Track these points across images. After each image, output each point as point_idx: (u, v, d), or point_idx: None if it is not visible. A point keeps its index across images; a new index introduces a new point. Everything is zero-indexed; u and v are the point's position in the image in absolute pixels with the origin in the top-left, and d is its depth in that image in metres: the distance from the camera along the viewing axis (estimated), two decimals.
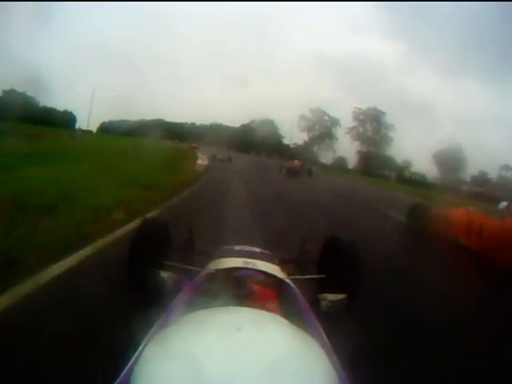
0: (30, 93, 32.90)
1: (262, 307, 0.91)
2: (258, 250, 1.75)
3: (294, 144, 46.06)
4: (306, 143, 46.07)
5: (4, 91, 31.68)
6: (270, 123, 44.78)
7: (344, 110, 47.32)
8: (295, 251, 2.35)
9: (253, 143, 38.03)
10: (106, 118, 40.81)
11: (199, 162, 17.28)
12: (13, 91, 31.49)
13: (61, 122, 32.74)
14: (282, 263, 1.73)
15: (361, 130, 45.08)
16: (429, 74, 52.86)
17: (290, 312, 1.04)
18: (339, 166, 40.90)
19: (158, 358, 0.52)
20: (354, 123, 44.70)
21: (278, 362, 0.49)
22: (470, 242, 5.07)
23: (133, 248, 1.88)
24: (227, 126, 40.94)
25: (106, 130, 39.90)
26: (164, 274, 1.52)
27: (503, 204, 5.22)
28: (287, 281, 1.34)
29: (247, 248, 1.75)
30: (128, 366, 0.65)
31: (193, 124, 43.62)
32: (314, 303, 1.35)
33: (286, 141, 46.37)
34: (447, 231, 5.59)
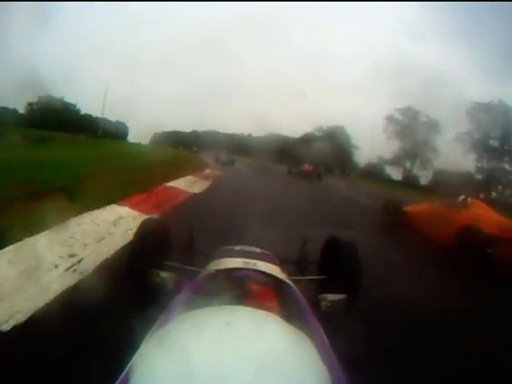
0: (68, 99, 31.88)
1: (262, 307, 0.91)
2: (257, 250, 1.75)
3: (379, 157, 32.70)
4: (396, 156, 32.09)
5: (40, 97, 30.04)
6: (340, 130, 33.73)
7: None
8: (295, 251, 2.35)
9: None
10: (159, 129, 38.03)
11: (207, 171, 12.76)
12: (49, 97, 29.77)
13: (114, 133, 31.40)
14: (282, 263, 1.73)
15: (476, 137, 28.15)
16: None
17: (290, 312, 1.04)
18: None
19: (153, 357, 0.53)
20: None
21: (268, 356, 0.50)
22: (432, 231, 5.76)
23: (133, 248, 1.89)
24: (285, 137, 33.13)
25: (159, 140, 37.08)
26: (164, 274, 1.52)
27: (461, 198, 5.95)
28: (287, 281, 1.34)
29: (247, 248, 1.75)
30: (128, 366, 0.65)
31: (249, 135, 37.56)
32: (314, 303, 1.36)
33: (361, 153, 34.06)
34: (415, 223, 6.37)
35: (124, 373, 0.63)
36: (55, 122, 26.03)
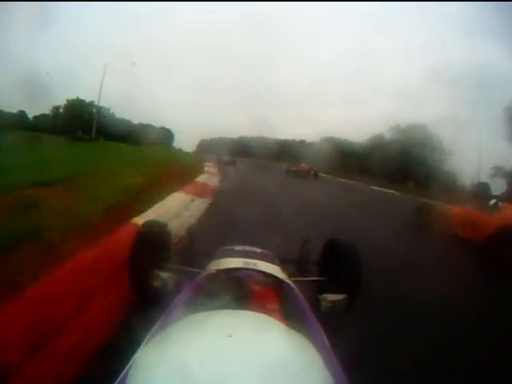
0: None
1: (263, 308, 0.91)
2: (258, 250, 1.75)
3: (496, 167, 20.36)
4: None
5: (68, 100, 28.85)
6: (422, 128, 24.15)
7: None
8: (295, 252, 2.35)
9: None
10: (207, 136, 35.41)
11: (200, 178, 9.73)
12: (80, 101, 28.50)
13: (158, 139, 29.60)
14: (282, 263, 1.73)
15: None
16: None
17: (291, 312, 1.04)
18: None
19: (151, 362, 0.53)
20: None
21: (269, 369, 0.49)
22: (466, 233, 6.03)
23: (134, 249, 1.89)
24: (346, 140, 26.87)
25: (204, 147, 34.75)
26: (165, 275, 1.52)
27: (492, 201, 6.17)
28: (287, 281, 1.34)
29: (247, 248, 1.75)
30: (127, 368, 0.65)
31: (302, 141, 32.28)
32: (315, 303, 1.36)
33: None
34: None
35: (123, 373, 0.63)
36: (85, 126, 24.92)
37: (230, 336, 0.54)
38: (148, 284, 1.53)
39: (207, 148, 31.46)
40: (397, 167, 19.30)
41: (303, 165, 20.08)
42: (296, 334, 0.61)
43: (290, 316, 1.02)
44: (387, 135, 26.36)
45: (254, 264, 1.38)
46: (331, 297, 1.45)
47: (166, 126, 33.52)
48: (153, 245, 1.88)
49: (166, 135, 33.52)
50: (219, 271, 1.33)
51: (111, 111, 30.97)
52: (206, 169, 13.81)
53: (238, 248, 1.75)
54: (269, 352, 0.53)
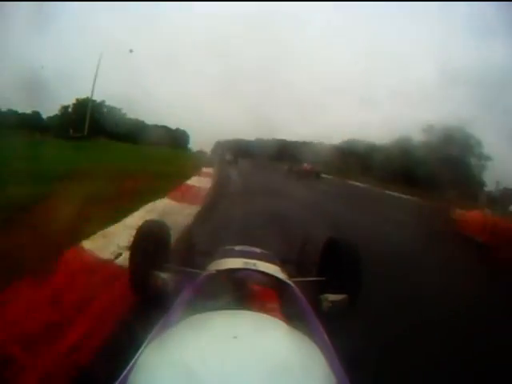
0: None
1: (263, 308, 0.91)
2: (258, 250, 1.75)
3: None
4: None
5: (78, 99, 27.64)
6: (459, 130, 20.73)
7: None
8: (295, 252, 2.35)
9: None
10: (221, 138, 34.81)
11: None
12: (89, 100, 26.48)
13: (174, 141, 29.37)
14: (282, 264, 1.73)
15: None
16: None
17: (291, 313, 1.04)
18: None
19: (153, 364, 0.52)
20: None
21: (274, 370, 0.48)
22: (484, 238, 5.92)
23: (134, 250, 1.88)
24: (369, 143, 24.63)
25: (219, 148, 33.83)
26: (166, 276, 1.52)
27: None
28: (288, 281, 1.34)
29: (247, 248, 1.75)
30: (128, 368, 0.65)
31: (320, 143, 29.55)
32: (315, 304, 1.35)
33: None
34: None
35: (123, 374, 0.63)
36: (96, 126, 24.11)
37: (235, 337, 0.54)
38: (148, 284, 1.52)
39: (221, 149, 30.89)
40: (431, 172, 15.55)
41: (305, 165, 19.68)
42: (299, 335, 0.61)
43: (291, 316, 1.01)
44: (417, 137, 22.47)
45: (254, 264, 1.38)
46: (332, 297, 1.45)
47: (182, 128, 33.09)
48: (152, 245, 1.87)
49: (182, 136, 33.11)
50: (219, 271, 1.33)
51: (123, 111, 30.07)
52: (204, 170, 13.73)
53: (238, 248, 1.75)
54: (274, 353, 0.53)
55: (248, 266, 1.34)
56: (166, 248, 2.02)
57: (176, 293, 1.22)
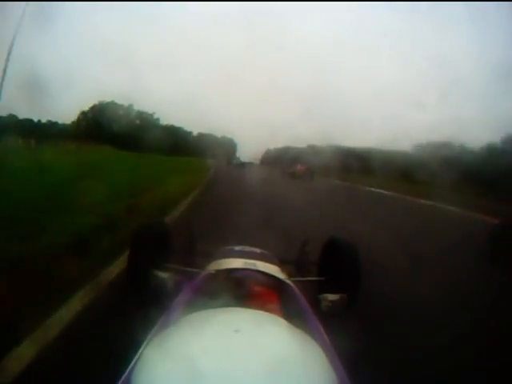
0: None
1: (263, 308, 0.91)
2: (258, 250, 1.75)
3: None
4: None
5: (101, 103, 26.10)
6: None
7: None
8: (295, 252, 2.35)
9: None
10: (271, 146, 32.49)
11: None
12: (113, 104, 24.80)
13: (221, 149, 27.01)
14: (282, 264, 1.73)
15: None
16: None
17: (291, 312, 1.04)
18: None
19: (156, 360, 0.52)
20: None
21: (277, 364, 0.49)
22: None
23: (133, 249, 1.88)
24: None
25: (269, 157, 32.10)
26: (164, 275, 1.52)
27: None
28: (287, 281, 1.34)
29: (247, 248, 1.75)
30: (130, 367, 0.65)
31: (369, 149, 27.65)
32: (315, 303, 1.36)
33: None
34: None
35: (126, 373, 0.63)
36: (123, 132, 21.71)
37: (237, 331, 0.54)
38: (147, 284, 1.52)
39: (272, 158, 28.46)
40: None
41: (299, 166, 19.48)
42: (300, 332, 0.62)
43: (291, 316, 1.01)
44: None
45: (254, 264, 1.38)
46: (331, 296, 1.45)
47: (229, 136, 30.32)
48: (152, 244, 1.87)
49: (229, 145, 30.28)
50: (219, 271, 1.33)
51: (155, 116, 27.39)
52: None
53: (237, 248, 1.75)
54: (276, 347, 0.53)
55: (248, 266, 1.34)
56: (166, 247, 2.02)
57: (175, 292, 1.22)
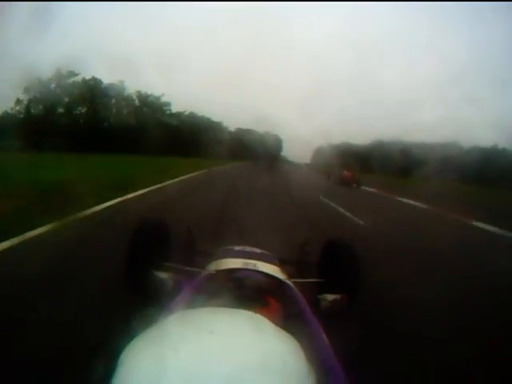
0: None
1: (262, 308, 0.91)
2: (258, 250, 1.75)
3: None
4: None
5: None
6: None
7: None
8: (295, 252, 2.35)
9: None
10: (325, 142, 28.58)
11: None
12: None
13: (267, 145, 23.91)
14: (281, 264, 1.73)
15: None
16: None
17: (290, 313, 1.05)
18: None
19: (131, 360, 0.52)
20: None
21: (248, 366, 0.48)
22: None
23: (132, 248, 1.86)
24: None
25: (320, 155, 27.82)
26: (164, 275, 1.52)
27: None
28: (287, 281, 1.35)
29: (247, 249, 1.75)
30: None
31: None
32: (314, 304, 1.36)
33: None
34: None
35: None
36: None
37: (212, 332, 0.54)
38: (146, 284, 1.52)
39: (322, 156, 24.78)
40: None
41: (345, 172, 16.94)
42: (281, 332, 0.60)
43: (290, 316, 1.02)
44: None
45: (254, 264, 1.38)
46: (331, 297, 1.45)
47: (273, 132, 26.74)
48: (151, 243, 1.86)
49: (273, 141, 26.72)
50: (219, 271, 1.33)
51: (186, 112, 25.35)
52: None
53: (237, 248, 1.75)
54: (247, 349, 0.52)
55: (248, 267, 1.35)
56: (166, 246, 2.01)
57: (175, 292, 1.22)
